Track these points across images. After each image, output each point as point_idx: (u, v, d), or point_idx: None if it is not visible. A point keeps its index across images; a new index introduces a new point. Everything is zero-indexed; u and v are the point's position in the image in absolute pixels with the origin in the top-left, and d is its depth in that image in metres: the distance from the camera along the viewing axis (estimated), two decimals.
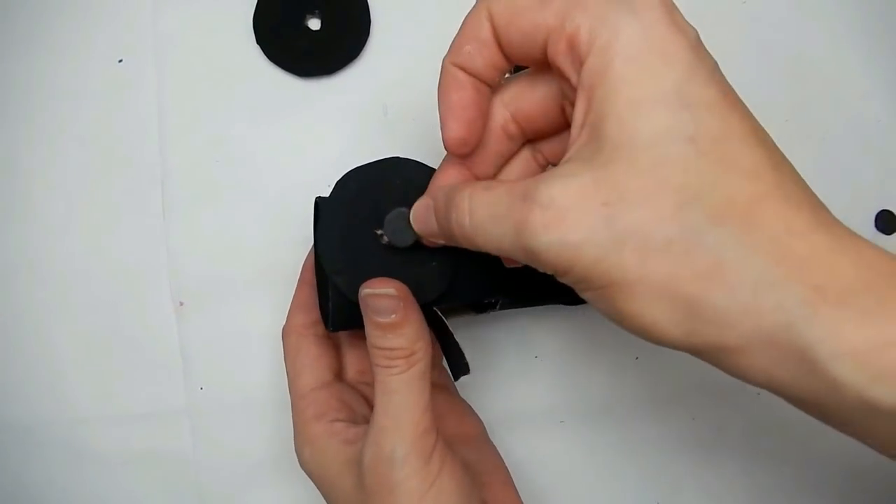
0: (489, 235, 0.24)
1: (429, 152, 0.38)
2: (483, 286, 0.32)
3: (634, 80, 0.22)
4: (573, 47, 0.23)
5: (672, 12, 0.22)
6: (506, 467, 0.33)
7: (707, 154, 0.21)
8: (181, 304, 0.37)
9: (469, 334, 0.31)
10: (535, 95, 0.26)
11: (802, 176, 0.40)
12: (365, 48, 0.39)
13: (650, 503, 0.38)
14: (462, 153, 0.27)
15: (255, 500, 0.37)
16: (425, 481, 0.27)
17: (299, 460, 0.31)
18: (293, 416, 0.32)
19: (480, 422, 0.34)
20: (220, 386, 0.37)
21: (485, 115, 0.27)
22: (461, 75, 0.26)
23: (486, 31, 0.25)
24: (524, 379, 0.38)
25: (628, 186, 0.21)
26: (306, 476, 0.31)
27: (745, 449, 0.38)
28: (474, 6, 0.26)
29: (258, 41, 0.38)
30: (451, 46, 0.26)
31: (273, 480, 0.37)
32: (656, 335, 0.22)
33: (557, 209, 0.22)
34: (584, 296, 0.23)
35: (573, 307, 0.38)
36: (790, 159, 0.40)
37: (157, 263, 0.37)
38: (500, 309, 0.33)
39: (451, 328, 0.30)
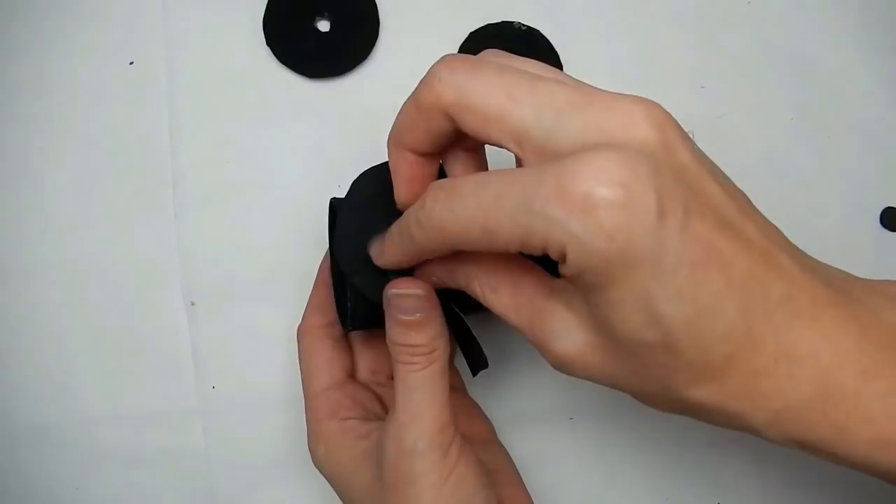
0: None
1: None
2: None
3: (607, 285, 0.22)
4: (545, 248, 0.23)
5: (628, 191, 0.21)
6: (515, 468, 0.33)
7: (682, 337, 0.22)
8: (193, 303, 0.37)
9: (477, 332, 0.31)
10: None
11: (808, 173, 0.41)
12: (374, 50, 0.39)
13: (660, 500, 0.38)
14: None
15: (268, 499, 0.37)
16: (443, 473, 0.27)
17: (313, 459, 0.31)
18: (307, 416, 0.32)
19: (490, 423, 0.35)
20: (232, 385, 0.37)
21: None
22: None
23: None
24: (533, 377, 0.39)
25: (620, 360, 0.25)
26: (319, 474, 0.32)
27: (753, 445, 0.38)
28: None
29: (268, 43, 0.39)
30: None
31: (286, 479, 0.37)
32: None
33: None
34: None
35: None
36: (795, 157, 0.41)
37: (169, 264, 0.38)
38: None
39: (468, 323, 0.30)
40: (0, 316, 0.37)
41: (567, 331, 0.25)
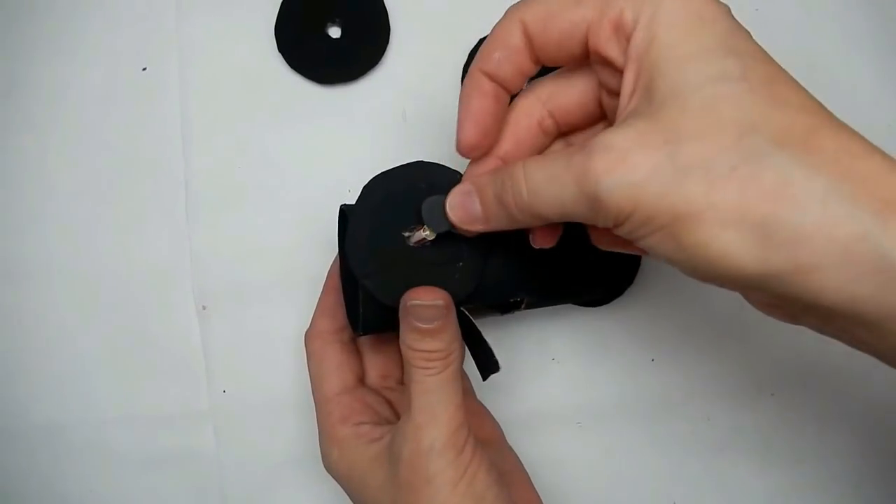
0: (548, 196, 0.24)
1: (448, 157, 0.39)
2: (509, 284, 0.32)
3: (680, 42, 0.23)
4: (618, 29, 0.24)
5: None
6: (524, 469, 0.33)
7: (758, 91, 0.22)
8: (204, 307, 0.38)
9: (487, 337, 0.31)
10: (572, 91, 0.28)
11: None
12: (384, 55, 0.40)
13: None
14: (472, 157, 0.28)
15: (279, 501, 0.37)
16: (459, 471, 0.28)
17: (326, 462, 0.32)
18: (318, 420, 0.32)
19: (498, 425, 0.35)
20: (242, 388, 0.38)
21: (500, 123, 0.28)
22: (486, 83, 0.27)
23: (516, 38, 0.26)
24: (541, 381, 0.39)
25: (686, 125, 0.22)
26: (329, 477, 0.32)
27: (760, 449, 0.39)
28: (505, 15, 0.26)
29: (280, 49, 0.39)
30: (479, 53, 0.27)
31: (296, 481, 0.37)
32: (727, 265, 0.22)
33: (618, 151, 0.22)
34: (646, 242, 0.23)
35: (591, 309, 0.38)
36: None
37: (181, 267, 0.38)
38: (526, 308, 0.34)
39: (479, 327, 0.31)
40: (14, 318, 0.38)
41: (622, 123, 0.23)
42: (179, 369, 0.38)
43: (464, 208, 0.28)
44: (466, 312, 0.31)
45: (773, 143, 0.21)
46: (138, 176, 0.38)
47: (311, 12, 0.39)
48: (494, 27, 0.27)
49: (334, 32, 0.40)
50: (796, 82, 0.23)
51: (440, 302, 0.29)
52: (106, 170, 0.38)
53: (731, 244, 0.21)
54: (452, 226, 0.28)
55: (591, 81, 0.27)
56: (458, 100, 0.40)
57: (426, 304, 0.28)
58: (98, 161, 0.38)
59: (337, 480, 0.32)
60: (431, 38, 0.40)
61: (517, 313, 0.35)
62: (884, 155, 0.22)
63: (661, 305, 0.39)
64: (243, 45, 0.39)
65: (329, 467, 0.32)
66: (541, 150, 0.29)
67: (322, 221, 0.38)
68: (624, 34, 0.24)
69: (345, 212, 0.32)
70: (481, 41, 0.40)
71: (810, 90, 0.41)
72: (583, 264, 0.34)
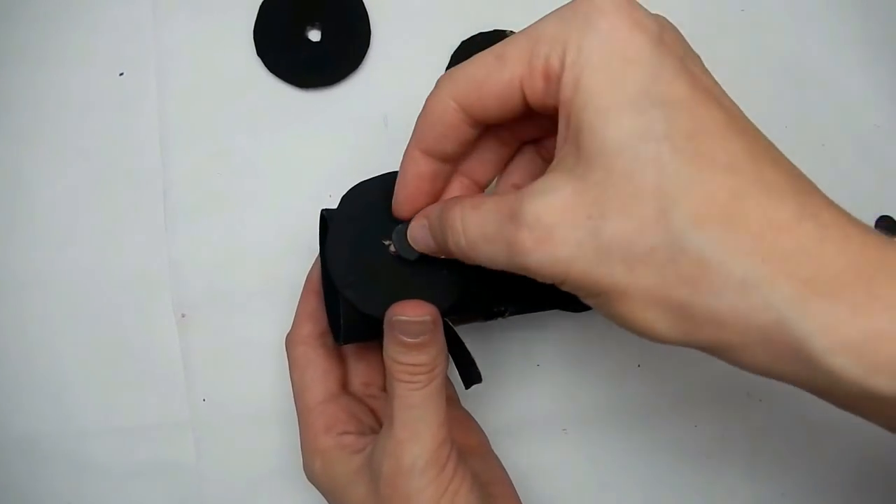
0: (485, 254, 0.24)
1: None
2: (493, 294, 0.32)
3: (602, 90, 0.21)
4: (549, 78, 0.23)
5: (631, 11, 0.22)
6: (509, 479, 0.33)
7: (681, 151, 0.21)
8: (183, 315, 0.37)
9: (471, 344, 0.31)
10: (491, 93, 0.26)
11: None
12: (365, 59, 0.39)
13: None
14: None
15: None
16: (440, 488, 0.27)
17: (308, 473, 0.31)
18: (301, 429, 0.32)
19: (484, 434, 0.35)
20: (222, 398, 0.37)
21: (440, 192, 0.28)
22: (423, 164, 0.27)
23: (450, 114, 0.25)
24: (526, 387, 0.38)
25: (607, 195, 0.21)
26: (310, 487, 0.32)
27: (748, 455, 0.38)
28: (435, 90, 0.26)
29: (259, 53, 0.39)
30: (415, 129, 0.27)
31: (278, 492, 0.37)
32: (656, 337, 0.22)
33: (544, 228, 0.22)
34: (586, 301, 0.24)
35: (577, 314, 0.38)
36: None
37: (160, 275, 0.37)
38: (510, 315, 0.34)
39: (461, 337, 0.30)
40: None
41: (548, 184, 0.23)
42: (159, 378, 0.37)
43: (424, 240, 0.28)
44: (449, 323, 0.30)
45: (693, 222, 0.20)
46: (116, 183, 0.38)
47: (291, 16, 0.39)
48: (427, 101, 0.26)
49: (314, 36, 0.39)
50: (731, 127, 0.21)
51: (427, 318, 0.28)
52: (83, 177, 0.38)
53: (655, 321, 0.21)
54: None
55: (512, 80, 0.25)
56: None
57: (413, 319, 0.28)
58: (75, 168, 0.38)
59: (319, 490, 0.31)
60: (412, 42, 0.40)
61: (501, 320, 0.34)
62: (815, 218, 0.20)
63: None
64: (222, 50, 0.39)
65: (311, 478, 0.31)
66: (470, 140, 0.27)
67: (303, 228, 0.38)
68: (555, 81, 0.23)
69: (325, 216, 0.31)
70: (463, 44, 0.40)
71: (797, 91, 0.42)
72: None
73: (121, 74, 0.38)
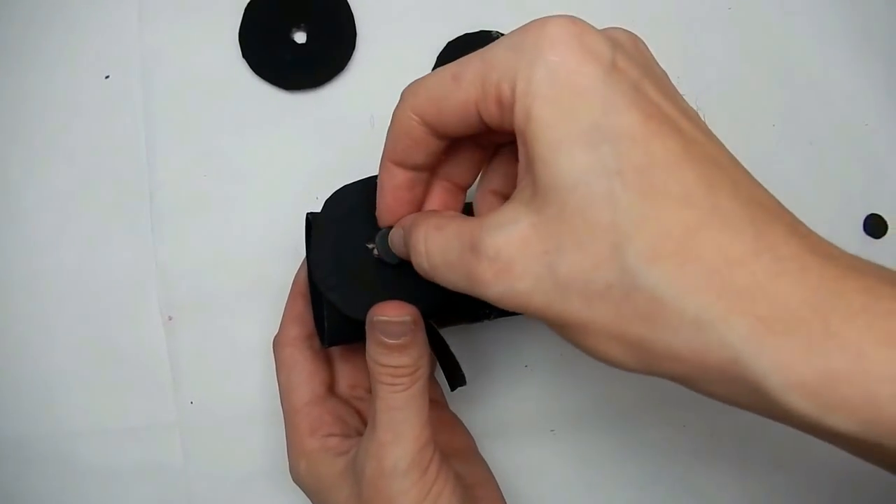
0: (447, 279, 0.25)
1: None
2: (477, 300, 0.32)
3: (552, 123, 0.21)
4: (501, 104, 0.23)
5: (581, 39, 0.21)
6: (495, 481, 0.33)
7: (633, 187, 0.20)
8: (170, 318, 0.37)
9: (458, 345, 0.31)
10: (449, 111, 0.26)
11: (791, 180, 0.40)
12: (351, 61, 0.39)
13: None
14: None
15: None
16: (422, 491, 0.28)
17: (293, 473, 0.31)
18: (287, 431, 0.32)
19: (470, 436, 0.35)
20: (210, 399, 0.37)
21: (420, 201, 0.29)
22: (398, 174, 0.27)
23: (415, 128, 0.26)
24: (514, 388, 0.38)
25: (563, 231, 0.21)
26: (296, 489, 0.32)
27: (736, 455, 0.38)
28: (399, 103, 0.26)
29: (244, 55, 0.39)
30: (385, 143, 0.27)
31: (265, 493, 0.37)
32: (617, 366, 0.22)
33: (503, 261, 0.22)
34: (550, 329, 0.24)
35: None
36: (779, 164, 0.40)
37: (146, 278, 0.37)
38: (495, 318, 0.34)
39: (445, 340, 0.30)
40: None
41: (507, 216, 0.23)
42: (146, 381, 0.37)
43: (402, 250, 0.28)
44: (433, 325, 0.30)
45: (646, 260, 0.20)
46: (102, 185, 0.38)
47: (276, 17, 0.39)
48: (393, 114, 0.26)
49: (300, 38, 0.39)
50: (685, 157, 0.21)
51: (408, 318, 0.28)
52: (69, 179, 0.38)
53: (616, 354, 0.22)
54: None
55: (468, 102, 0.24)
56: None
57: (393, 320, 0.28)
58: (61, 170, 0.38)
59: (305, 492, 0.31)
60: (398, 43, 0.39)
61: (488, 322, 0.34)
62: (772, 250, 0.20)
63: None
64: (207, 52, 0.39)
65: (297, 479, 0.31)
66: (437, 152, 0.27)
67: (289, 230, 0.38)
68: (508, 108, 0.22)
69: (310, 220, 0.31)
70: (449, 44, 0.39)
71: (786, 90, 0.41)
72: None
73: (106, 77, 0.38)
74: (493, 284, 0.22)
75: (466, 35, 0.40)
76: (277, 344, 0.33)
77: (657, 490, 0.38)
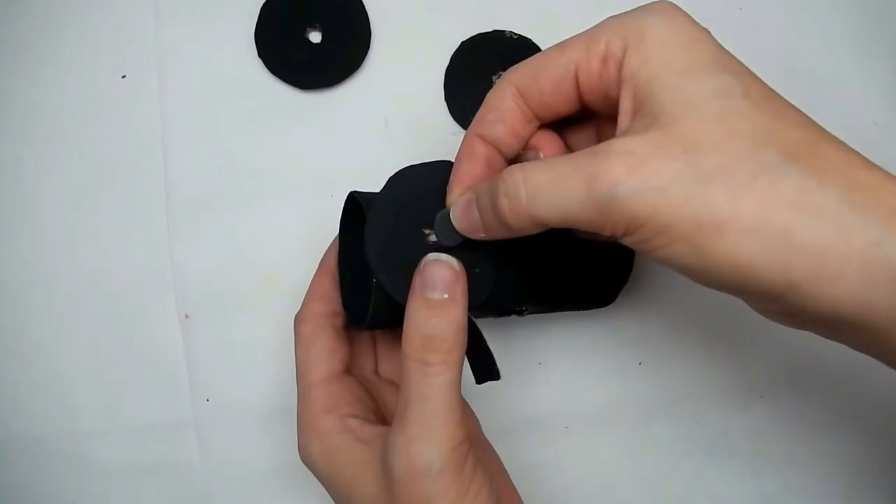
0: (551, 200, 0.24)
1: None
2: (518, 295, 0.32)
3: (675, 59, 0.24)
4: (606, 60, 0.25)
5: (685, 13, 0.25)
6: (502, 465, 0.32)
7: (761, 107, 0.23)
8: (187, 316, 0.37)
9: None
10: (547, 74, 0.27)
11: None
12: (366, 60, 0.39)
13: None
14: None
15: None
16: (461, 490, 0.26)
17: (303, 453, 0.30)
18: (300, 408, 0.30)
19: (475, 417, 0.34)
20: (226, 397, 0.37)
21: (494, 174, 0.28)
22: (479, 147, 0.28)
23: (508, 100, 0.27)
24: (528, 385, 0.39)
25: (702, 135, 0.22)
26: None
27: (749, 452, 0.38)
28: (497, 83, 0.28)
29: (260, 54, 0.39)
30: (475, 118, 0.28)
31: (280, 491, 0.37)
32: (750, 274, 0.22)
33: (638, 157, 0.22)
34: (662, 252, 0.23)
35: (578, 313, 0.38)
36: None
37: (163, 276, 0.38)
38: (527, 314, 0.33)
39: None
40: None
41: (631, 134, 0.23)
42: (162, 378, 0.37)
43: (466, 218, 0.27)
44: (472, 317, 0.29)
45: (785, 156, 0.22)
46: (118, 184, 0.38)
47: (292, 17, 0.39)
48: (488, 94, 0.28)
49: (315, 37, 0.39)
50: (788, 101, 0.24)
51: (454, 261, 0.27)
52: (86, 179, 0.38)
53: (756, 253, 0.22)
54: (463, 238, 0.28)
55: (565, 66, 0.26)
56: (440, 105, 0.40)
57: (441, 258, 0.27)
58: (78, 170, 0.38)
59: (316, 474, 0.30)
60: (413, 42, 0.40)
61: (514, 317, 0.34)
62: (880, 167, 0.23)
63: (649, 308, 0.39)
64: (223, 52, 0.39)
65: (308, 460, 0.30)
66: (527, 138, 0.28)
67: (304, 228, 0.38)
68: (614, 63, 0.25)
69: (357, 200, 0.30)
70: (464, 44, 0.40)
71: (795, 89, 0.41)
72: (588, 272, 0.34)
73: (123, 77, 0.39)
74: (624, 181, 0.22)
75: (481, 35, 0.40)
76: (299, 319, 0.32)
77: (670, 487, 0.38)
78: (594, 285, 0.35)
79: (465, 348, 0.27)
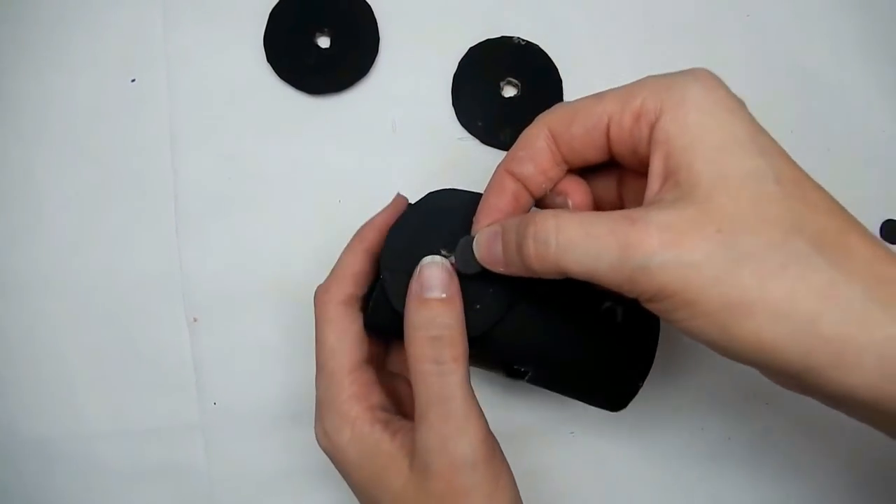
0: (581, 256, 0.24)
1: (435, 169, 0.39)
2: (518, 349, 0.31)
3: (713, 131, 0.24)
4: (639, 118, 0.25)
5: (723, 82, 0.25)
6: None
7: (792, 195, 0.23)
8: (195, 319, 0.38)
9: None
10: (580, 121, 0.28)
11: None
12: (374, 65, 0.39)
13: None
14: None
15: None
16: (493, 482, 0.28)
17: (331, 442, 0.29)
18: (325, 394, 0.29)
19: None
20: (233, 400, 0.37)
21: (522, 211, 0.29)
22: (508, 182, 0.29)
23: (541, 140, 0.28)
24: (533, 391, 0.38)
25: (735, 218, 0.23)
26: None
27: (754, 459, 0.39)
28: (533, 122, 0.28)
29: (269, 59, 0.39)
30: (507, 155, 0.29)
31: (287, 494, 0.37)
32: (772, 353, 0.23)
33: (675, 231, 0.23)
34: (685, 324, 0.24)
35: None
36: None
37: (171, 279, 0.38)
38: (529, 381, 0.32)
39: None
40: (1, 331, 0.38)
41: (664, 204, 0.24)
42: (170, 382, 0.37)
43: (488, 249, 0.28)
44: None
45: (814, 246, 0.23)
46: (127, 188, 0.38)
47: (300, 22, 0.39)
48: (523, 132, 0.28)
49: (323, 42, 0.40)
50: (818, 184, 0.25)
51: (447, 262, 0.29)
52: (94, 182, 0.38)
53: (780, 336, 0.22)
54: (481, 268, 0.28)
55: (599, 118, 0.27)
56: (447, 110, 0.40)
57: (436, 260, 0.28)
58: (86, 174, 0.38)
59: (339, 461, 0.29)
60: (421, 48, 0.40)
61: (527, 382, 0.33)
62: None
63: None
64: (232, 56, 0.39)
65: (334, 447, 0.29)
66: (556, 181, 0.29)
67: (312, 232, 0.38)
68: (646, 122, 0.25)
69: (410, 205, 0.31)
70: (471, 50, 0.40)
71: (803, 96, 0.42)
72: (600, 349, 0.32)
73: (132, 81, 0.39)
74: (658, 252, 0.23)
75: (489, 40, 0.40)
76: (327, 297, 0.30)
77: (674, 492, 0.38)
78: (604, 366, 0.33)
79: (467, 344, 0.28)
